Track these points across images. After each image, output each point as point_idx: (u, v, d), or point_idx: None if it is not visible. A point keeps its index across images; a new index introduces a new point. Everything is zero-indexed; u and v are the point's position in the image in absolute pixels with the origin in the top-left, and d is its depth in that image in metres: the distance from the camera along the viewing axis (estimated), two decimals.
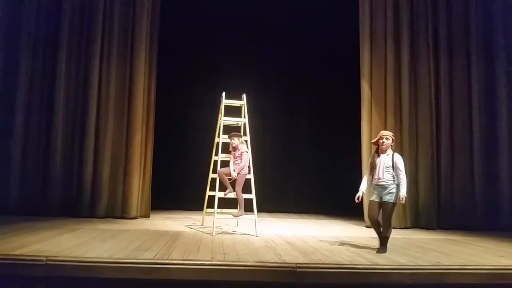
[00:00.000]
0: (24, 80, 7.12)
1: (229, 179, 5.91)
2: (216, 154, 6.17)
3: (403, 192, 4.61)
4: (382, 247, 4.63)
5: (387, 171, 4.64)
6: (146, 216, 7.45)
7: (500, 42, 7.61)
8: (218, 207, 5.76)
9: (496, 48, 7.60)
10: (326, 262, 3.93)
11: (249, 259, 3.92)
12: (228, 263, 3.74)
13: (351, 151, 8.38)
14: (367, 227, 6.76)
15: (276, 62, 10.11)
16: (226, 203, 6.15)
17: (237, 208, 5.85)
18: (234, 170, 5.83)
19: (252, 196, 5.85)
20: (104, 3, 7.33)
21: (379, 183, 4.66)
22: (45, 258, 3.56)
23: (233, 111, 6.61)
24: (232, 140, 6.00)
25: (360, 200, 4.84)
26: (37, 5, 7.27)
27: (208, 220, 6.35)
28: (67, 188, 7.03)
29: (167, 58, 8.97)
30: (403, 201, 4.67)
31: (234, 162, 5.96)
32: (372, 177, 4.74)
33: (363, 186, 4.84)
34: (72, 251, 3.94)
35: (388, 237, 4.67)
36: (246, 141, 6.15)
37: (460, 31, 7.56)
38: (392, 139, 4.77)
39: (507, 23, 7.65)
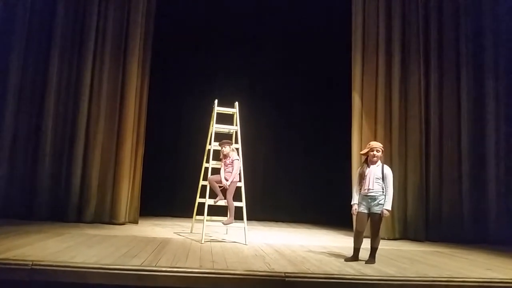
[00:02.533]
0: (14, 81, 7.03)
1: (220, 187, 5.90)
2: (207, 161, 6.16)
3: (387, 206, 4.62)
4: (371, 258, 4.64)
5: (377, 182, 4.64)
6: (135, 222, 7.38)
7: (489, 56, 7.74)
8: (208, 215, 5.73)
9: (485, 63, 7.73)
10: (314, 272, 3.93)
11: (238, 268, 3.91)
12: (216, 271, 3.72)
13: (341, 161, 8.41)
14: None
15: (269, 71, 10.16)
16: (216, 211, 6.14)
17: (226, 216, 5.84)
18: (226, 179, 5.82)
19: (242, 204, 5.84)
20: (99, 4, 7.32)
21: (368, 194, 4.64)
22: (30, 263, 3.52)
23: (225, 119, 6.62)
24: (223, 148, 6.00)
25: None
26: (31, 4, 7.22)
27: (198, 227, 6.31)
28: (55, 192, 6.93)
29: (160, 63, 8.96)
30: (387, 215, 4.68)
31: (225, 169, 5.95)
32: (361, 188, 4.72)
33: (356, 199, 4.76)
34: (58, 256, 3.89)
35: (377, 248, 4.68)
36: (237, 148, 6.15)
37: (451, 44, 7.68)
38: (382, 151, 4.79)
39: (497, 37, 7.80)
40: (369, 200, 4.64)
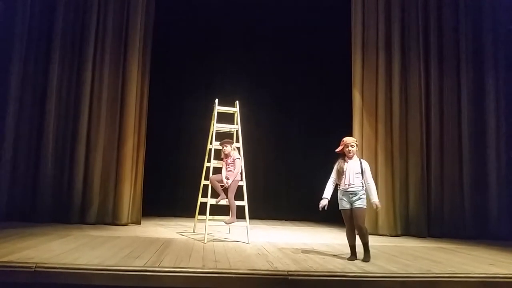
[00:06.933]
0: (16, 84, 7.06)
1: (221, 186, 5.90)
2: (209, 161, 6.16)
3: (376, 198, 4.64)
4: (366, 254, 4.57)
5: (357, 176, 4.64)
6: (137, 222, 7.39)
7: (489, 55, 7.72)
8: (210, 214, 5.74)
9: (485, 61, 7.71)
10: (317, 270, 3.93)
11: (241, 267, 3.91)
12: (219, 270, 3.72)
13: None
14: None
15: (269, 70, 10.17)
16: (218, 210, 6.14)
17: (229, 215, 5.84)
18: (228, 178, 5.82)
19: (244, 203, 5.84)
20: (98, 6, 7.34)
21: (348, 189, 4.62)
22: (34, 265, 3.52)
23: (226, 118, 6.62)
24: (224, 148, 6.00)
25: (324, 208, 4.71)
26: (31, 7, 7.24)
27: (200, 227, 6.32)
28: (58, 194, 6.96)
29: (160, 64, 8.97)
30: (379, 207, 4.67)
31: (226, 169, 5.96)
32: (340, 184, 4.70)
33: (328, 193, 4.75)
34: (62, 258, 3.90)
35: (367, 242, 4.62)
36: (238, 148, 6.15)
37: (451, 43, 7.66)
38: (357, 145, 4.79)
39: (497, 36, 7.78)
40: (350, 196, 4.62)
